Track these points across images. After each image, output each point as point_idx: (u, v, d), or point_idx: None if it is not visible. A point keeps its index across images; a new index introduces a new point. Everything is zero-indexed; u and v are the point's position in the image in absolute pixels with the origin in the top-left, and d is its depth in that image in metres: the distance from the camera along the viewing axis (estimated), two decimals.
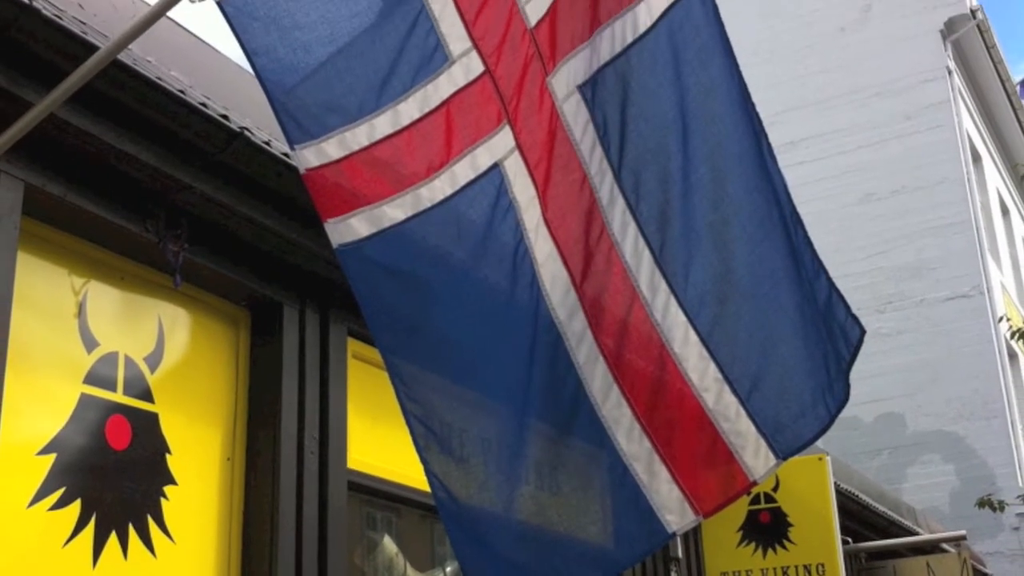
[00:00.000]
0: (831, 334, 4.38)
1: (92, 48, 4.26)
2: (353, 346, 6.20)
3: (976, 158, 27.94)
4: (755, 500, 10.81)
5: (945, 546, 15.74)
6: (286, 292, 5.81)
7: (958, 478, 24.31)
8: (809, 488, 10.82)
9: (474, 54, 4.33)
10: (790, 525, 10.75)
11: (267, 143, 5.14)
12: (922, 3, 27.09)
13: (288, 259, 5.69)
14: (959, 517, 21.86)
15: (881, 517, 14.32)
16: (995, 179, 29.86)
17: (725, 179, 4.43)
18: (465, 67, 4.32)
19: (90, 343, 4.92)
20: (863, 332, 4.38)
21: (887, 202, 26.10)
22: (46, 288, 4.81)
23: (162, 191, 5.00)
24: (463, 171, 4.29)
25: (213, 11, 3.94)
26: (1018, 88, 29.22)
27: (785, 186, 4.38)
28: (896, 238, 25.84)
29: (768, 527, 10.79)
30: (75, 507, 4.71)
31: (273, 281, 5.73)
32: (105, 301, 5.06)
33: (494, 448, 4.40)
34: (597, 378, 4.44)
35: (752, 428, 4.40)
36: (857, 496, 13.27)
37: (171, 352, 5.34)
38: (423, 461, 4.24)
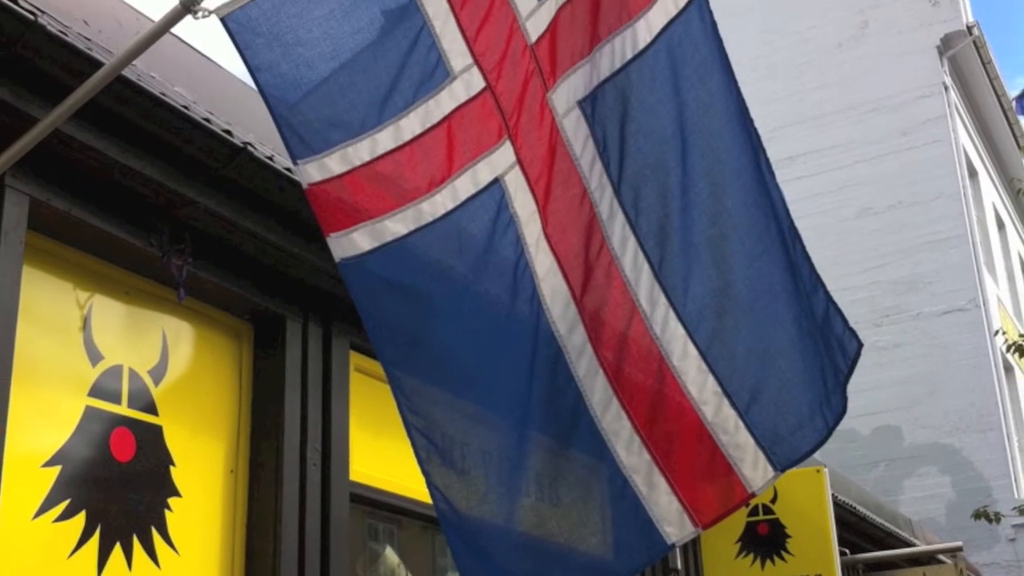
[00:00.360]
0: (829, 347, 4.41)
1: (97, 64, 4.27)
2: (355, 359, 6.22)
3: (972, 173, 27.98)
4: (753, 512, 10.82)
5: (942, 557, 15.76)
6: (289, 306, 5.83)
7: (954, 490, 24.34)
8: (807, 500, 10.83)
9: (475, 70, 4.35)
10: (788, 536, 10.76)
11: (270, 158, 5.15)
12: (918, 20, 27.15)
13: (291, 273, 5.71)
14: (955, 529, 21.86)
15: (878, 528, 14.33)
16: (991, 194, 29.88)
17: (724, 194, 4.46)
18: (466, 83, 4.33)
19: (95, 356, 4.94)
20: (860, 345, 4.41)
21: (884, 217, 26.14)
22: (51, 302, 4.84)
23: (166, 206, 5.02)
24: (464, 186, 4.31)
25: (217, 28, 3.97)
26: (1014, 103, 29.25)
27: (783, 201, 4.41)
28: (893, 252, 25.87)
29: (766, 538, 10.80)
30: (80, 519, 4.73)
31: (276, 295, 5.75)
32: (110, 315, 5.08)
33: (495, 460, 4.42)
34: (597, 391, 4.47)
35: (750, 440, 4.42)
36: (854, 508, 13.28)
37: (175, 365, 5.36)
38: (425, 473, 4.26)
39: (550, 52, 4.53)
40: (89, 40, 4.45)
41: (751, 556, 10.81)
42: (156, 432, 5.17)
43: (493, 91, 4.38)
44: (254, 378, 5.78)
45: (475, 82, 4.35)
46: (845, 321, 4.40)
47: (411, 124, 4.23)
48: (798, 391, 4.45)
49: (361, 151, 4.14)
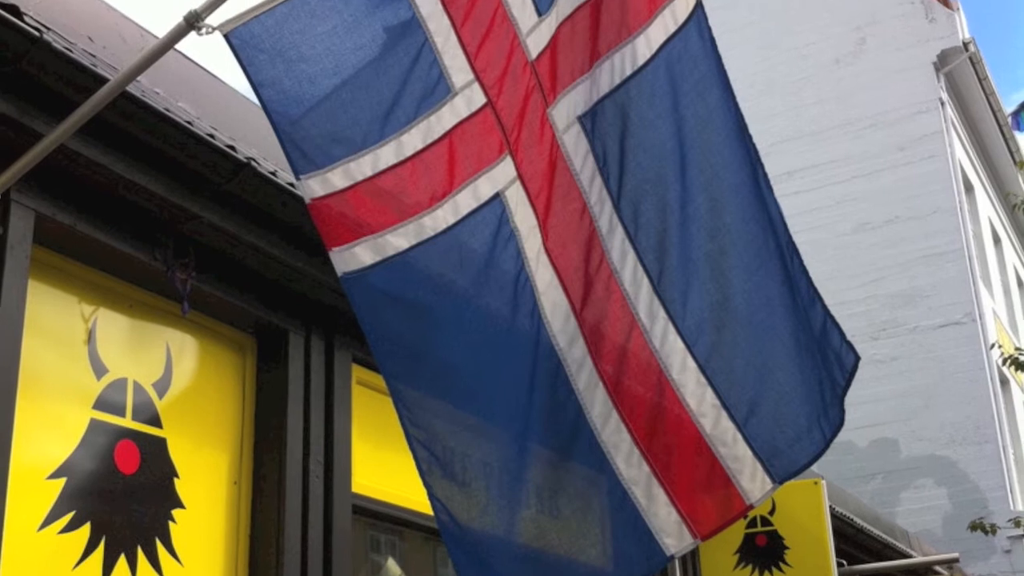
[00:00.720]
0: (826, 361, 4.43)
1: (102, 80, 4.29)
2: (357, 372, 6.23)
3: (968, 188, 28.02)
4: (752, 523, 10.84)
5: (938, 568, 15.80)
6: (292, 319, 5.84)
7: (951, 502, 24.39)
8: (805, 511, 10.86)
9: (476, 86, 4.37)
10: (786, 548, 10.78)
11: (273, 173, 5.16)
12: (915, 36, 27.22)
13: (294, 287, 5.72)
14: (952, 540, 21.88)
15: (875, 540, 14.34)
16: (987, 208, 29.92)
17: (722, 209, 4.48)
18: (467, 99, 4.35)
19: (99, 369, 4.96)
20: (857, 359, 4.44)
21: (881, 231, 26.20)
22: (56, 315, 4.85)
23: (170, 220, 5.04)
24: (465, 201, 4.33)
25: (220, 44, 4.00)
26: (1010, 119, 29.28)
27: (781, 215, 4.44)
28: (890, 266, 25.93)
29: (764, 550, 10.82)
30: (85, 530, 4.75)
31: (279, 308, 5.77)
32: (114, 328, 5.10)
33: (496, 472, 4.44)
34: (597, 404, 4.49)
35: (749, 453, 4.44)
36: (852, 520, 13.30)
37: (179, 378, 5.37)
38: (426, 485, 4.28)
39: (550, 68, 4.55)
40: (94, 56, 4.46)
41: (749, 567, 10.83)
42: (160, 444, 5.18)
43: (494, 107, 4.40)
44: (257, 391, 5.79)
45: (476, 98, 4.37)
46: (842, 334, 4.43)
47: (413, 139, 4.25)
48: (796, 404, 4.47)
49: (363, 166, 4.16)
